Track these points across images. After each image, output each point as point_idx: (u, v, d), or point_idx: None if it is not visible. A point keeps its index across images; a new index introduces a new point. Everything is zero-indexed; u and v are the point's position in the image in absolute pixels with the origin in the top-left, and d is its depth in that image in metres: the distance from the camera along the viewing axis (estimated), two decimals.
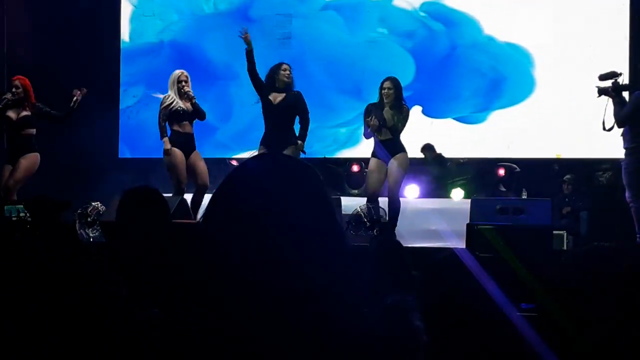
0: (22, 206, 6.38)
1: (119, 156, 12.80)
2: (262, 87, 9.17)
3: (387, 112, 9.05)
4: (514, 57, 11.94)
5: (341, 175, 12.16)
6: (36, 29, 11.68)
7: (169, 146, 9.04)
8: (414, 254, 7.08)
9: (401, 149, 9.12)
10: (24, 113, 9.32)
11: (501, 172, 11.76)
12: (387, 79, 9.20)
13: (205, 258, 1.42)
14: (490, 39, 12.02)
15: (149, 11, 13.00)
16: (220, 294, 1.38)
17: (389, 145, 9.08)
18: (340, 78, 12.24)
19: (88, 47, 12.27)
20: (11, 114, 9.31)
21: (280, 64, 9.25)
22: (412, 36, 12.20)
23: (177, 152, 9.12)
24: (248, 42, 9.14)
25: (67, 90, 9.44)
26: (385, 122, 9.00)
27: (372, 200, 9.18)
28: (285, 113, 9.16)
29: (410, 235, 9.35)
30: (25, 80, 9.41)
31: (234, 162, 11.09)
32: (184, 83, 9.19)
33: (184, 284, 1.44)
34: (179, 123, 9.19)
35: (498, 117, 12.03)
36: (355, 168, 12.10)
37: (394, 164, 9.04)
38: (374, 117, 8.96)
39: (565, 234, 9.72)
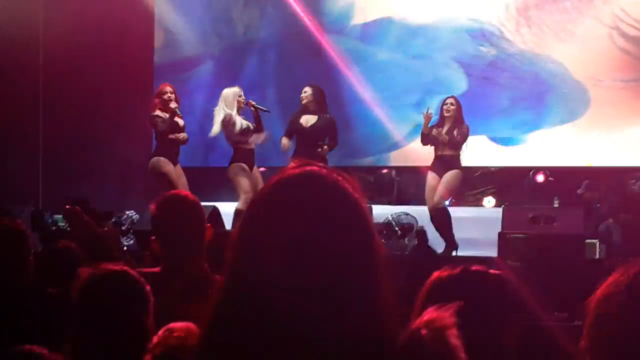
0: (61, 217, 6.41)
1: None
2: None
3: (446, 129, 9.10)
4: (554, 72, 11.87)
5: (371, 182, 12.15)
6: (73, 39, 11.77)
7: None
8: (445, 262, 7.06)
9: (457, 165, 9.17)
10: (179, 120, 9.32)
11: (540, 178, 11.66)
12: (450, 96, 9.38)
13: (237, 267, 1.43)
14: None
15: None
16: (252, 304, 1.38)
17: (446, 160, 9.14)
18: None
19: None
20: (179, 120, 9.28)
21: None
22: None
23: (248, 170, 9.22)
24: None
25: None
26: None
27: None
28: (315, 137, 9.16)
29: (442, 244, 9.33)
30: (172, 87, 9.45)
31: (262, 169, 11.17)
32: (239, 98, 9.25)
33: (215, 293, 1.44)
34: (246, 140, 9.25)
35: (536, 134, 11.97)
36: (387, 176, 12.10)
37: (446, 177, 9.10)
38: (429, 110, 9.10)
39: (598, 242, 9.63)
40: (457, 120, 9.18)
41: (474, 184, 11.91)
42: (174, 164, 9.21)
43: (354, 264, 1.39)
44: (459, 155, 9.19)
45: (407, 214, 9.85)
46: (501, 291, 2.23)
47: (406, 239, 9.16)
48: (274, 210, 1.42)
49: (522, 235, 7.44)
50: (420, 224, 9.68)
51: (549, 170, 11.71)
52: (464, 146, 9.18)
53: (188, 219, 3.37)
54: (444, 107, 9.26)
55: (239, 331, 1.38)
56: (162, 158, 9.14)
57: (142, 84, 12.19)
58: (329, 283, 1.36)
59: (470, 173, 11.90)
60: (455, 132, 9.09)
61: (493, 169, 12.05)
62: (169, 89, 9.26)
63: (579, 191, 11.18)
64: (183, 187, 8.97)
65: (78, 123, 11.64)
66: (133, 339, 2.50)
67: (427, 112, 9.14)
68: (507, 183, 12.00)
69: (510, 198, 11.50)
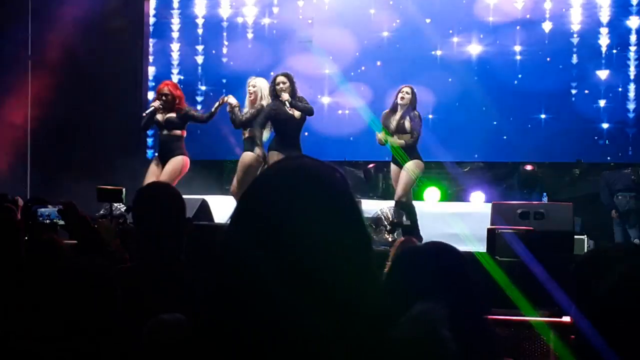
0: (55, 210, 6.39)
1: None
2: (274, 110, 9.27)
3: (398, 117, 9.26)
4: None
5: (360, 177, 12.16)
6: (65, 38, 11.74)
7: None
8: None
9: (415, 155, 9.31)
10: (169, 115, 9.39)
11: (528, 167, 11.71)
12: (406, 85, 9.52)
13: (228, 261, 1.42)
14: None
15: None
16: (241, 297, 1.37)
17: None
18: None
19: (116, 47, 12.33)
20: (159, 116, 9.41)
21: (275, 78, 9.31)
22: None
23: None
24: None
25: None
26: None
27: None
28: (300, 122, 9.28)
29: (431, 239, 9.32)
30: (174, 86, 9.57)
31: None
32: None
33: (204, 286, 1.43)
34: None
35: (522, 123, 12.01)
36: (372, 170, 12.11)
37: (403, 172, 9.25)
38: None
39: (586, 238, 9.65)
40: (409, 108, 9.36)
41: (463, 180, 11.95)
42: (163, 160, 9.33)
43: (345, 255, 1.38)
44: (413, 143, 9.34)
45: (397, 208, 9.85)
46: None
47: (395, 234, 9.15)
48: (266, 201, 1.41)
49: (510, 231, 7.44)
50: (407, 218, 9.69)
51: (536, 166, 11.76)
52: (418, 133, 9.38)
53: (166, 208, 3.36)
54: (399, 94, 9.44)
55: (229, 324, 1.37)
56: (154, 159, 9.50)
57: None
58: (319, 274, 1.36)
59: (459, 168, 11.97)
60: (405, 121, 9.24)
61: (482, 164, 12.09)
62: (164, 88, 9.44)
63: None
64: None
65: (67, 118, 11.63)
66: (94, 330, 2.51)
67: (381, 135, 9.37)
68: (497, 178, 12.04)
69: (499, 194, 11.53)
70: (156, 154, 9.62)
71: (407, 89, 9.48)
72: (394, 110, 9.47)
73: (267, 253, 1.36)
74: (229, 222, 1.45)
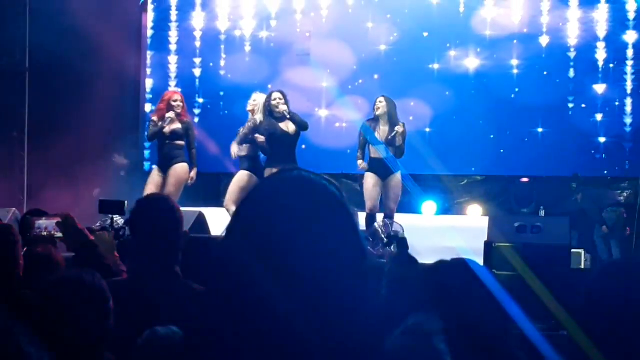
0: (53, 222, 6.36)
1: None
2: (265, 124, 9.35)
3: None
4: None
5: (357, 190, 12.16)
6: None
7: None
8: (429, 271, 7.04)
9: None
10: (175, 127, 9.48)
11: (524, 180, 11.73)
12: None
13: (224, 272, 1.41)
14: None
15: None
16: (238, 309, 1.37)
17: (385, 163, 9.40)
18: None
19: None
20: (166, 129, 9.49)
21: (270, 95, 9.42)
22: None
23: None
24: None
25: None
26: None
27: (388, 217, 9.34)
28: (295, 139, 9.37)
29: (427, 252, 9.31)
30: (181, 95, 9.71)
31: None
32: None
33: (202, 298, 1.43)
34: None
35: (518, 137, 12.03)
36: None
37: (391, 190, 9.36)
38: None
39: (583, 252, 9.64)
40: (392, 119, 9.38)
41: (460, 193, 11.95)
42: (164, 169, 9.40)
43: (340, 266, 1.38)
44: (399, 155, 9.41)
45: (393, 222, 9.85)
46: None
47: (392, 247, 9.14)
48: (262, 213, 1.41)
49: (508, 245, 7.44)
50: (405, 232, 9.68)
51: (533, 180, 11.77)
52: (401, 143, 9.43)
53: (164, 220, 3.35)
54: (375, 105, 9.55)
55: (224, 335, 1.37)
56: (155, 167, 9.65)
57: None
58: (315, 286, 1.36)
59: (457, 182, 11.97)
60: (397, 136, 9.32)
61: (479, 177, 12.09)
62: (175, 96, 9.60)
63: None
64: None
65: (63, 128, 11.63)
66: (86, 342, 2.50)
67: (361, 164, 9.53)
68: (494, 192, 12.04)
69: (496, 207, 11.53)
70: (154, 166, 9.67)
71: (381, 98, 9.56)
72: (375, 120, 9.53)
73: (263, 264, 1.36)
74: (225, 233, 1.44)
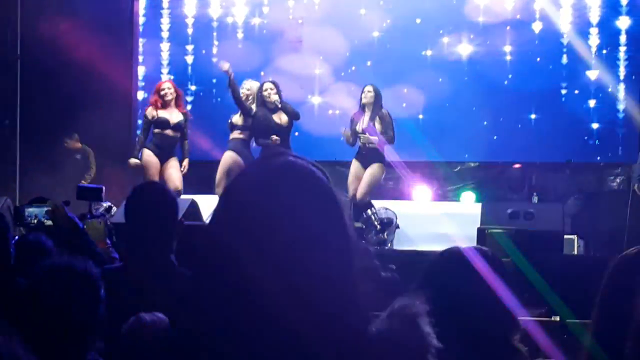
0: (43, 210, 6.34)
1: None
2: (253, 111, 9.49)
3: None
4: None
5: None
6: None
7: None
8: (424, 256, 7.06)
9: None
10: (180, 120, 9.59)
11: (516, 166, 11.74)
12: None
13: (210, 258, 1.40)
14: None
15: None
16: (225, 295, 1.36)
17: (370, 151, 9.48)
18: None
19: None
20: (166, 115, 9.52)
21: (261, 85, 9.49)
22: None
23: None
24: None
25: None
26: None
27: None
28: (289, 129, 9.47)
29: (420, 239, 9.32)
30: (171, 82, 9.85)
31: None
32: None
33: (190, 285, 1.42)
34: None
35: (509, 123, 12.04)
36: None
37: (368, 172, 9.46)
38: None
39: (576, 238, 9.65)
40: (375, 111, 9.42)
41: (453, 180, 11.95)
42: (162, 159, 9.49)
43: (327, 251, 1.38)
44: (389, 142, 9.50)
45: (386, 209, 9.86)
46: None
47: (385, 233, 9.15)
48: (247, 197, 1.40)
49: (500, 231, 7.45)
50: (398, 219, 9.70)
51: (527, 167, 11.77)
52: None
53: (158, 207, 3.34)
54: (362, 94, 9.60)
55: (211, 319, 1.36)
56: (145, 149, 9.64)
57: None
58: (301, 270, 1.35)
59: (450, 169, 11.97)
60: (376, 123, 9.37)
61: (472, 164, 12.09)
62: (163, 85, 9.68)
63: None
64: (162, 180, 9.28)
65: (55, 115, 11.60)
66: (78, 330, 2.49)
67: (344, 130, 9.64)
68: (487, 178, 12.04)
69: (489, 194, 11.53)
70: (149, 151, 9.66)
71: (369, 88, 9.60)
72: (362, 109, 9.58)
73: (249, 249, 1.35)
74: (210, 217, 1.44)
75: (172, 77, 12.40)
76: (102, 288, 2.66)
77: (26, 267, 3.58)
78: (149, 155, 9.60)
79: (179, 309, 1.44)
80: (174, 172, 9.50)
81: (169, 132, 9.55)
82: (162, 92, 9.58)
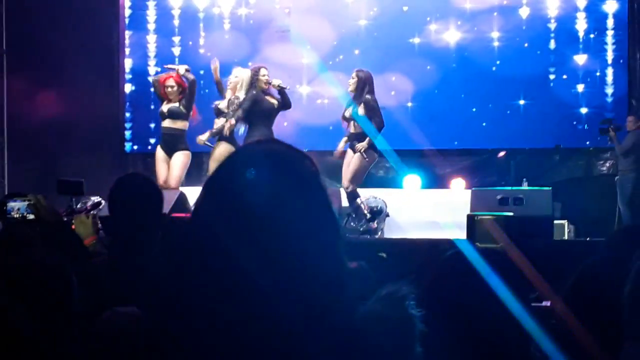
0: (25, 204, 6.29)
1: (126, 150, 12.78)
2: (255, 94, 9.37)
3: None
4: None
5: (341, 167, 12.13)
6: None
7: None
8: (415, 245, 7.05)
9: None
10: (171, 105, 9.46)
11: (501, 153, 11.73)
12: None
13: (194, 249, 1.39)
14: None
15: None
16: (209, 285, 1.35)
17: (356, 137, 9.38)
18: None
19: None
20: (165, 106, 9.48)
21: (258, 70, 9.38)
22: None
23: None
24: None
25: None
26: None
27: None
28: (277, 112, 9.49)
29: (411, 227, 9.32)
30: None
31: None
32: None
33: (172, 277, 1.40)
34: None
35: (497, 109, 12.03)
36: None
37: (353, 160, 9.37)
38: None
39: (566, 223, 9.66)
40: (357, 98, 9.32)
41: (443, 167, 11.95)
42: (168, 153, 9.45)
43: (312, 237, 1.37)
44: (378, 128, 9.37)
45: (375, 198, 9.85)
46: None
47: (375, 222, 9.14)
48: (233, 184, 1.39)
49: (490, 217, 7.44)
50: (388, 207, 9.70)
51: (516, 152, 11.77)
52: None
53: (139, 199, 3.32)
54: (349, 81, 9.50)
55: (194, 309, 1.35)
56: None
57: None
58: (287, 257, 1.35)
59: (439, 156, 11.95)
60: (360, 109, 9.26)
61: (462, 151, 12.10)
62: (167, 82, 9.52)
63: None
64: (162, 174, 9.36)
65: (43, 112, 11.56)
66: (47, 328, 2.45)
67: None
68: (477, 165, 12.04)
69: (479, 180, 11.53)
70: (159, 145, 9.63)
71: (353, 74, 9.50)
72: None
73: (234, 235, 1.34)
74: (195, 205, 1.43)
75: (159, 70, 12.35)
76: (73, 284, 2.60)
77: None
78: (158, 151, 9.58)
79: (151, 300, 1.42)
80: (173, 171, 9.38)
81: (166, 122, 9.44)
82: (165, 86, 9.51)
